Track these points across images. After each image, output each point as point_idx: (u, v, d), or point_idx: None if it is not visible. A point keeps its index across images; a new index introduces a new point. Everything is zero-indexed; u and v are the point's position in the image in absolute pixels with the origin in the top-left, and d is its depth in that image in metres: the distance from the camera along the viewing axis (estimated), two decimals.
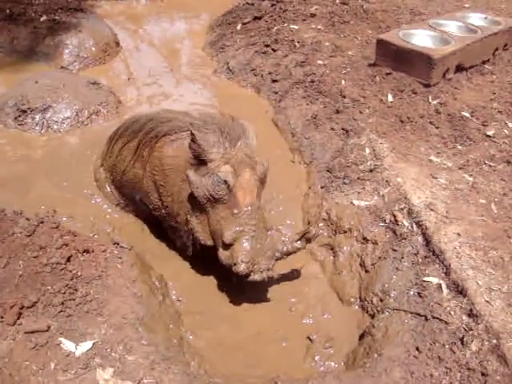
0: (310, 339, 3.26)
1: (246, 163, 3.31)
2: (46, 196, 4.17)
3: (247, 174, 3.29)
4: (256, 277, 3.22)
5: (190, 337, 3.23)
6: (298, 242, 3.38)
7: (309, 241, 3.44)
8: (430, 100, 4.91)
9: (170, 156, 3.58)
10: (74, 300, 2.76)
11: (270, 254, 3.28)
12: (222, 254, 3.28)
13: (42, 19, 6.90)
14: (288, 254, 3.38)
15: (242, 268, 3.16)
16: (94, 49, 6.71)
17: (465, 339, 2.72)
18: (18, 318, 2.59)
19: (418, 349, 2.83)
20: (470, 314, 2.82)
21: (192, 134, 3.25)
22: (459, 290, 2.97)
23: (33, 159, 4.63)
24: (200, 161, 3.31)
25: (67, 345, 2.55)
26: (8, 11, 6.94)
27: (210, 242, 3.40)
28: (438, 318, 2.91)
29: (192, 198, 3.37)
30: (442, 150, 4.25)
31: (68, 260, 2.93)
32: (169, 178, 3.59)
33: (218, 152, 3.28)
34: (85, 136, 4.99)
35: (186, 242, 3.65)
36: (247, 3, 8.02)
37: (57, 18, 6.96)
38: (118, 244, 3.30)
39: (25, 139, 4.91)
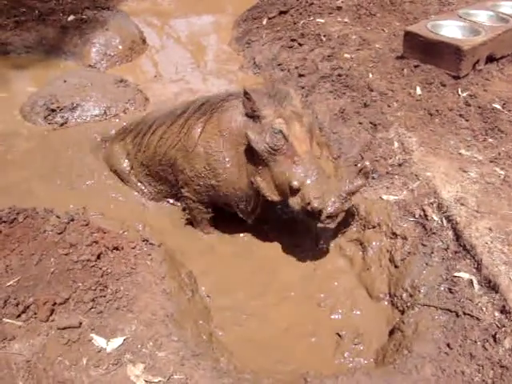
0: (339, 335, 3.24)
1: (294, 117, 3.51)
2: (75, 194, 4.24)
3: (297, 125, 3.49)
4: (330, 209, 3.42)
5: (220, 333, 3.25)
6: (358, 179, 3.50)
7: (367, 176, 3.56)
8: (460, 92, 4.83)
9: (227, 122, 3.69)
10: (104, 297, 2.80)
11: (336, 192, 3.45)
12: (293, 202, 3.49)
13: (69, 19, 6.99)
14: (353, 192, 3.52)
15: (316, 204, 3.36)
16: (120, 47, 6.77)
17: (497, 336, 2.67)
18: (51, 315, 2.64)
19: (448, 345, 2.79)
20: (503, 311, 2.76)
21: (246, 93, 3.49)
22: (491, 286, 2.92)
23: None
24: (255, 118, 3.53)
25: (98, 341, 2.59)
26: (37, 11, 7.04)
27: (276, 198, 3.61)
28: (469, 315, 2.86)
29: (253, 157, 3.58)
30: (472, 143, 4.17)
31: (98, 257, 2.97)
32: (226, 143, 3.69)
33: (270, 109, 3.49)
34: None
35: (246, 208, 3.85)
36: None
37: (84, 16, 7.04)
38: (147, 241, 3.33)
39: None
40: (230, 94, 3.83)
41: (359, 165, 3.68)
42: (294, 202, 3.48)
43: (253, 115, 3.53)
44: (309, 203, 3.37)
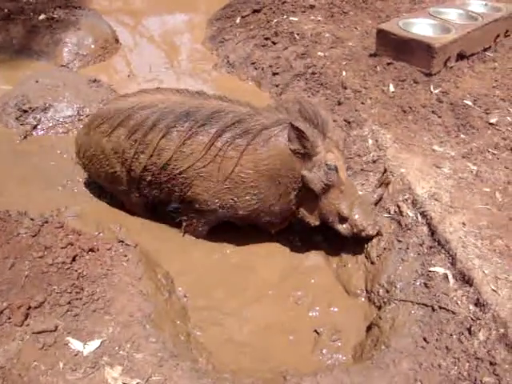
0: (317, 332, 3.26)
1: (337, 147, 3.61)
2: (49, 196, 4.18)
3: (340, 155, 3.59)
4: (372, 232, 3.57)
5: (198, 333, 3.24)
6: (379, 189, 3.72)
7: (387, 185, 3.75)
8: (432, 89, 4.89)
9: (270, 158, 3.51)
10: (80, 299, 2.77)
11: (370, 209, 3.63)
12: (343, 229, 3.62)
13: (40, 18, 6.88)
14: (377, 202, 3.73)
15: (371, 231, 3.56)
16: (93, 46, 6.70)
17: (472, 329, 2.72)
18: (26, 319, 2.61)
19: (425, 339, 2.83)
20: (477, 304, 2.81)
21: (299, 130, 3.37)
22: (465, 280, 2.96)
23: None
24: (305, 155, 3.46)
25: (75, 344, 2.57)
26: (6, 10, 6.92)
27: (317, 223, 3.72)
28: (444, 308, 2.90)
29: (298, 190, 3.57)
30: (445, 139, 4.23)
31: (73, 259, 2.94)
32: (264, 179, 3.56)
33: (320, 143, 3.47)
34: None
35: (274, 225, 3.86)
36: None
37: (55, 16, 6.94)
38: (122, 242, 3.31)
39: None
40: (261, 115, 3.61)
41: (383, 176, 3.78)
42: (344, 229, 3.61)
43: (304, 153, 3.45)
44: (363, 230, 3.55)
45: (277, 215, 3.73)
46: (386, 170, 3.82)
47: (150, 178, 3.75)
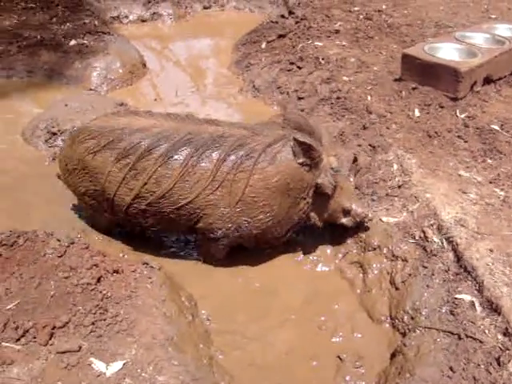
0: (340, 358, 3.21)
1: (325, 147, 3.78)
2: (75, 217, 4.24)
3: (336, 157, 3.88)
4: (371, 216, 3.88)
5: (220, 356, 3.22)
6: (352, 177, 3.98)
7: (357, 172, 4.14)
8: (458, 114, 4.86)
9: (280, 174, 3.56)
10: (104, 320, 2.78)
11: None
12: (348, 221, 3.86)
13: (71, 43, 7.08)
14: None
15: (370, 214, 3.86)
16: (121, 71, 6.83)
17: (501, 359, 2.65)
18: (50, 338, 2.62)
19: (451, 369, 2.76)
20: (506, 333, 2.75)
21: (306, 144, 3.50)
22: (493, 308, 2.91)
23: None
24: (312, 165, 3.61)
25: (98, 365, 2.57)
26: (39, 37, 7.13)
27: (321, 224, 3.91)
28: (471, 337, 2.84)
29: (309, 200, 3.73)
30: (471, 164, 4.19)
31: (98, 280, 2.96)
32: (275, 195, 3.59)
33: (321, 150, 3.65)
34: None
35: (279, 239, 3.91)
36: (271, 21, 8.10)
37: (85, 41, 7.13)
38: (147, 264, 3.32)
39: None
40: (260, 134, 3.64)
41: (353, 164, 4.06)
42: (348, 221, 3.87)
43: (311, 163, 3.58)
44: (365, 217, 3.82)
45: (284, 227, 3.79)
46: (356, 159, 4.05)
47: (143, 206, 3.63)
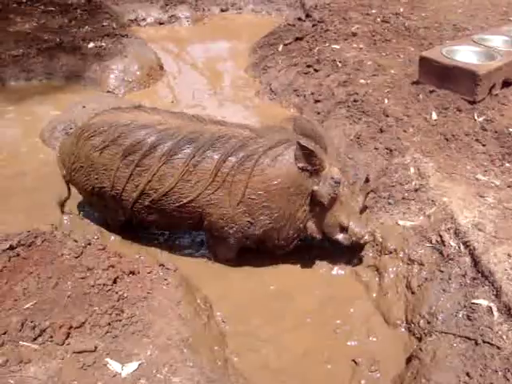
0: (356, 362, 3.20)
1: (332, 157, 3.71)
2: (92, 218, 4.27)
3: (338, 168, 3.70)
4: (369, 239, 3.79)
5: (235, 359, 3.23)
6: (360, 197, 3.80)
7: (368, 194, 3.88)
8: (476, 117, 4.82)
9: (279, 176, 3.57)
10: (120, 321, 2.80)
11: (361, 217, 3.82)
12: (343, 238, 3.76)
13: (89, 46, 7.16)
14: (362, 211, 3.88)
15: (368, 238, 3.75)
16: (138, 73, 6.89)
17: None
18: (67, 338, 2.65)
19: (468, 374, 2.73)
20: None
21: (307, 149, 3.46)
22: (511, 314, 2.87)
23: None
24: (313, 172, 3.56)
25: (113, 365, 2.58)
26: (58, 40, 7.21)
27: (320, 236, 3.81)
28: (489, 343, 2.81)
29: (306, 205, 3.66)
30: (489, 168, 4.14)
31: (114, 281, 2.99)
32: (275, 197, 3.59)
33: (324, 159, 3.58)
34: None
35: (283, 248, 3.88)
36: (288, 24, 8.10)
37: (103, 44, 7.21)
38: (163, 265, 3.34)
39: None
40: (262, 137, 3.66)
41: (364, 185, 3.87)
42: (344, 238, 3.75)
43: (312, 170, 3.55)
44: (361, 238, 3.71)
45: (287, 232, 3.76)
46: (368, 180, 3.88)
47: (147, 203, 3.71)
